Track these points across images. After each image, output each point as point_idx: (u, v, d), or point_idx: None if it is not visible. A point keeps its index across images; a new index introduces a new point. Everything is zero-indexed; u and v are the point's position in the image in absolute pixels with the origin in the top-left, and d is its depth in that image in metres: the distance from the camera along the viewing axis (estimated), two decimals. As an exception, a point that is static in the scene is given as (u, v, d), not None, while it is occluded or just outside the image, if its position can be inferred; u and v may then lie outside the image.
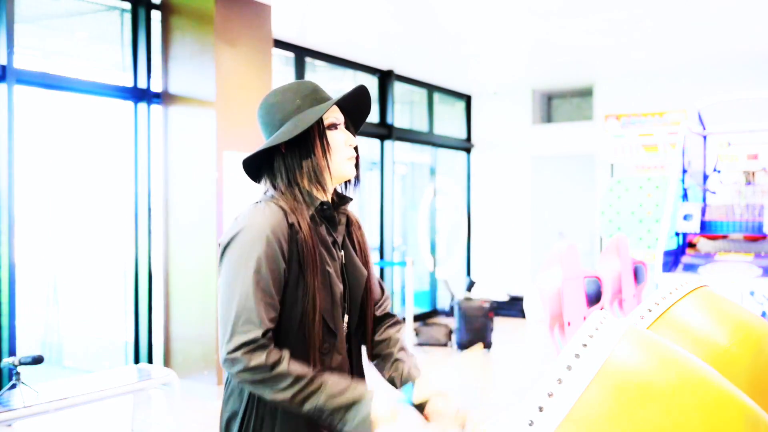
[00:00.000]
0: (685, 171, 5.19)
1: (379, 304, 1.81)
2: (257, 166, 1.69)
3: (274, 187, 1.63)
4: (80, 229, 5.67)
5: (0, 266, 4.46)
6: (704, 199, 5.38)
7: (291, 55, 6.88)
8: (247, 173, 1.72)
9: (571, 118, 9.57)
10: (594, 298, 4.46)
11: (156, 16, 5.52)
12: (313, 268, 1.54)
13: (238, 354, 1.44)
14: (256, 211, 1.56)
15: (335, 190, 1.70)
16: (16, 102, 4.52)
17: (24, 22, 4.76)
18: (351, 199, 1.72)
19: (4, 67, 4.46)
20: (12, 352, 4.47)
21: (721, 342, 1.18)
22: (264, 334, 1.46)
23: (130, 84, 5.40)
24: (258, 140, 6.15)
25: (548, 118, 9.76)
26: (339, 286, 1.61)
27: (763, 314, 4.42)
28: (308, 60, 7.15)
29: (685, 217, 5.01)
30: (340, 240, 1.67)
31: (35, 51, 5.05)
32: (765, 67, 7.66)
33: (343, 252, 1.67)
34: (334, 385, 1.48)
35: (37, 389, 3.31)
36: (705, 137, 5.54)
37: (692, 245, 5.45)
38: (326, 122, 1.63)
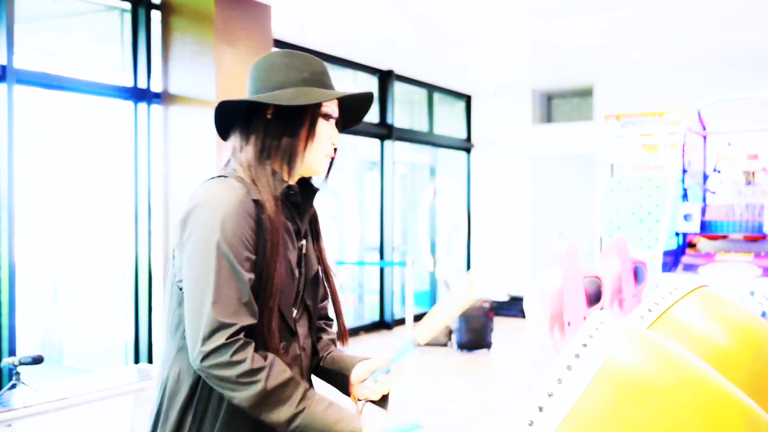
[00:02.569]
0: (685, 171, 5.19)
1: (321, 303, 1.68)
2: (230, 121, 1.57)
3: (241, 151, 1.50)
4: (80, 229, 5.67)
5: (0, 266, 4.46)
6: (704, 199, 5.38)
7: (291, 55, 6.87)
8: (216, 123, 1.59)
9: (571, 118, 9.57)
10: (594, 298, 4.46)
11: (156, 16, 5.52)
12: (276, 251, 1.40)
13: (218, 356, 1.30)
14: (216, 185, 1.42)
15: (300, 179, 1.56)
16: (16, 102, 4.52)
17: (24, 22, 4.76)
18: (318, 190, 1.59)
19: (4, 67, 4.46)
20: (12, 352, 4.47)
21: (721, 342, 1.18)
22: (241, 329, 1.33)
23: (130, 84, 5.40)
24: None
25: (548, 118, 9.76)
26: (296, 277, 1.50)
27: (763, 314, 4.42)
28: (308, 60, 7.15)
29: (685, 217, 5.01)
30: (303, 230, 1.56)
31: (35, 51, 5.05)
32: (765, 67, 7.66)
33: (303, 242, 1.55)
34: (319, 403, 1.36)
35: (37, 389, 3.31)
36: (705, 137, 5.54)
37: (692, 245, 5.45)
38: (323, 110, 1.51)
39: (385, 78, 8.17)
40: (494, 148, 9.61)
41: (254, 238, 1.39)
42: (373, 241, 8.43)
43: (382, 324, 8.34)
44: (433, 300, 9.46)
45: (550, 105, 9.82)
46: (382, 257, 8.27)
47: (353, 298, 8.21)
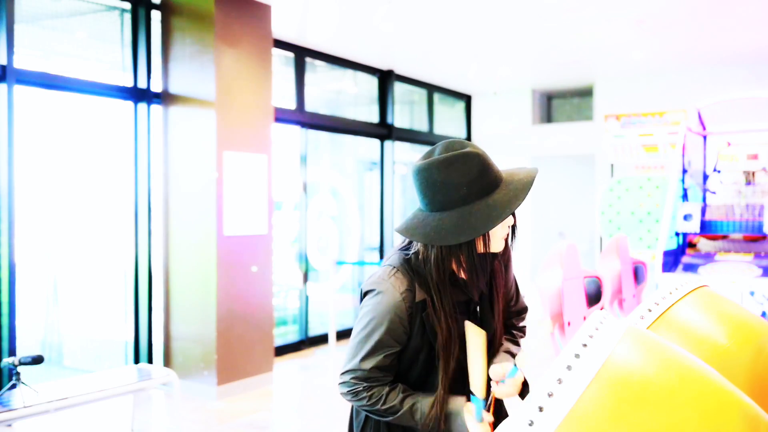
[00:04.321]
0: (685, 171, 5.19)
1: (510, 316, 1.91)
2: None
3: (418, 261, 1.65)
4: (80, 229, 5.67)
5: (0, 266, 4.46)
6: (704, 199, 5.38)
7: (291, 55, 6.88)
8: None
9: (571, 118, 9.57)
10: (594, 298, 4.46)
11: (156, 16, 5.52)
12: (449, 341, 1.64)
13: (349, 386, 1.69)
14: (394, 279, 1.65)
15: None
16: (16, 102, 4.52)
17: (24, 22, 4.76)
18: (496, 256, 1.73)
19: (4, 67, 4.47)
20: (12, 352, 4.47)
21: (720, 342, 1.18)
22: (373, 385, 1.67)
23: (130, 84, 5.41)
24: (257, 141, 6.09)
25: (548, 118, 9.76)
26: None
27: (763, 314, 4.42)
28: (308, 60, 7.15)
29: (685, 217, 5.01)
30: (477, 294, 1.71)
31: (35, 51, 5.05)
32: (765, 67, 7.66)
33: (478, 305, 1.73)
34: (427, 399, 1.65)
35: (37, 389, 3.31)
36: (705, 137, 5.54)
37: (692, 245, 5.45)
38: None
39: (385, 78, 8.17)
40: (494, 148, 9.60)
41: (407, 328, 1.65)
42: (373, 241, 8.43)
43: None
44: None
45: (550, 105, 9.81)
46: (382, 257, 8.27)
47: (353, 298, 8.20)
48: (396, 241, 8.64)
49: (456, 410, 1.63)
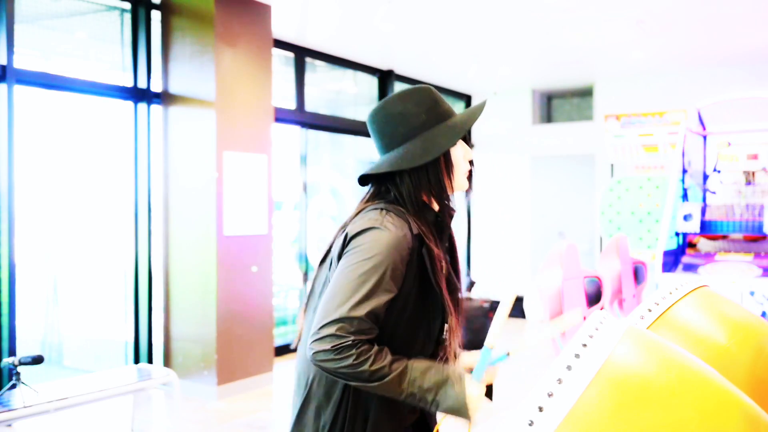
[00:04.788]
0: (685, 171, 5.19)
1: None
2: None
3: (396, 199, 1.62)
4: (80, 229, 5.67)
5: (0, 266, 4.46)
6: (704, 199, 5.38)
7: (291, 55, 6.88)
8: (360, 182, 1.71)
9: (571, 118, 9.57)
10: (594, 298, 4.46)
11: (156, 16, 5.52)
12: (441, 277, 1.57)
13: (333, 340, 1.41)
14: (390, 218, 1.55)
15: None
16: (16, 102, 4.52)
17: (24, 22, 4.76)
18: (455, 210, 1.72)
19: (4, 67, 4.47)
20: (12, 352, 4.47)
21: (720, 342, 1.18)
22: (363, 337, 1.44)
23: (130, 84, 5.41)
24: (257, 140, 6.10)
25: (548, 118, 9.76)
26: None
27: (763, 314, 4.42)
28: (308, 60, 7.15)
29: (685, 217, 5.01)
30: (444, 249, 1.69)
31: (35, 51, 5.05)
32: (765, 67, 7.66)
33: (446, 261, 1.69)
34: (420, 364, 1.48)
35: (37, 389, 3.31)
36: (705, 137, 5.54)
37: (692, 245, 5.45)
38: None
39: (385, 78, 8.17)
40: (494, 148, 9.61)
41: (404, 270, 1.52)
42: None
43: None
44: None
45: (550, 105, 9.81)
46: (382, 257, 8.26)
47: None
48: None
49: (453, 377, 1.48)
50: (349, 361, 1.40)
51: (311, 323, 1.55)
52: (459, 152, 1.64)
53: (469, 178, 1.70)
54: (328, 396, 1.56)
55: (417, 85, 1.67)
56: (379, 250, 1.48)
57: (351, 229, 1.54)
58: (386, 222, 1.53)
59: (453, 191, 1.66)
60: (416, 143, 1.59)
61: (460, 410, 1.47)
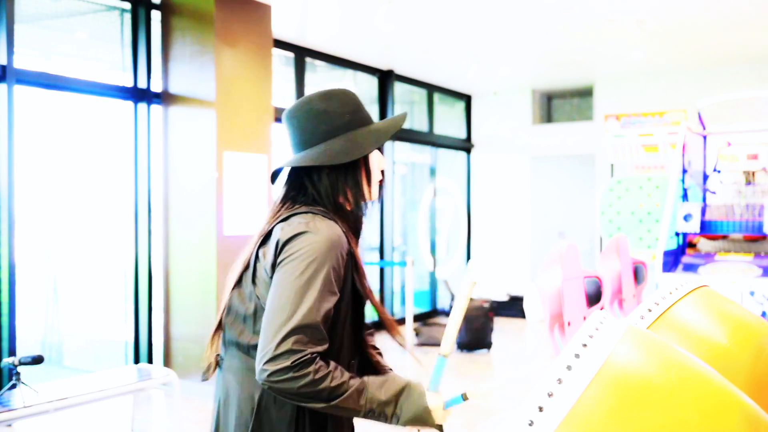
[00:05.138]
0: (685, 171, 5.19)
1: None
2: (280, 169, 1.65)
3: (314, 199, 1.57)
4: (80, 230, 5.67)
5: (0, 266, 4.46)
6: (704, 199, 5.38)
7: (291, 55, 6.88)
8: (272, 177, 1.69)
9: (571, 118, 9.57)
10: (594, 298, 4.46)
11: (156, 16, 5.52)
12: (364, 278, 1.56)
13: (289, 357, 1.32)
14: (319, 220, 1.49)
15: None
16: (16, 102, 4.52)
17: (24, 22, 4.76)
18: (367, 219, 1.69)
19: (4, 67, 4.47)
20: (12, 352, 4.47)
21: (720, 342, 1.18)
22: (318, 353, 1.37)
23: (130, 84, 5.41)
24: (257, 140, 6.08)
25: (548, 118, 9.76)
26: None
27: (763, 314, 4.42)
28: (308, 60, 7.15)
29: (685, 217, 5.01)
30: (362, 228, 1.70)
31: (35, 51, 5.05)
32: (765, 67, 7.66)
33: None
34: (376, 379, 1.43)
35: (37, 389, 3.31)
36: (705, 137, 5.54)
37: (692, 245, 5.45)
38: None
39: (385, 78, 8.17)
40: (494, 148, 9.61)
41: (342, 273, 1.47)
42: (373, 241, 8.43)
43: (382, 324, 8.34)
44: (433, 300, 9.45)
45: (550, 105, 9.81)
46: (382, 257, 8.27)
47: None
48: (396, 240, 8.64)
49: (411, 383, 1.44)
50: (308, 378, 1.31)
51: (237, 346, 1.60)
52: (375, 160, 1.61)
53: (380, 188, 1.66)
54: (282, 421, 1.48)
55: (340, 87, 1.63)
56: (318, 252, 1.41)
57: (282, 236, 1.46)
58: (317, 224, 1.47)
59: (369, 198, 1.61)
60: (338, 142, 1.55)
61: (423, 416, 1.41)
